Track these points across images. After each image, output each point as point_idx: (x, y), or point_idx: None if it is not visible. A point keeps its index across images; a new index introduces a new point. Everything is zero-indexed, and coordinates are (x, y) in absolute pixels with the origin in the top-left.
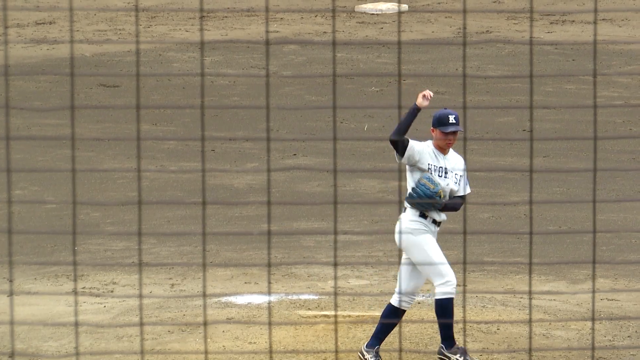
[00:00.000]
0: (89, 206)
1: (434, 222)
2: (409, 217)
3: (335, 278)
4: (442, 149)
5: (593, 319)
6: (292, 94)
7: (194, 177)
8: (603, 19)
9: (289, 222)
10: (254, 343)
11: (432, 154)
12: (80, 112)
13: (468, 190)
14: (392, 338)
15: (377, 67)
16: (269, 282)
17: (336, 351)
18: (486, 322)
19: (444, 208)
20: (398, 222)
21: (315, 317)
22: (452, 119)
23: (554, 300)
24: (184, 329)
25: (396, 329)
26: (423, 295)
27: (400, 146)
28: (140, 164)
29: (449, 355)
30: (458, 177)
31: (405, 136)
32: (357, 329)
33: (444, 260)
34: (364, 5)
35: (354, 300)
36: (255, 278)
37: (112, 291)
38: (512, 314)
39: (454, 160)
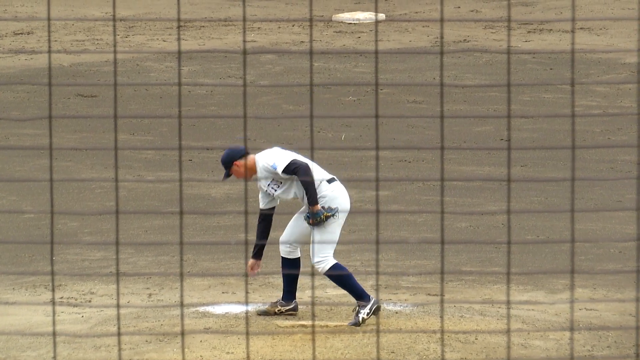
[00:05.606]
0: (67, 216)
1: None
2: None
3: (313, 287)
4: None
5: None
6: (270, 103)
7: (171, 187)
8: (581, 28)
9: None
10: (232, 353)
11: None
12: (58, 122)
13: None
14: (369, 348)
15: (354, 76)
16: (247, 292)
17: None
18: (464, 332)
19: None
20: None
21: (293, 326)
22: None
23: (533, 310)
24: (162, 338)
25: (374, 338)
26: (401, 305)
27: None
28: (117, 174)
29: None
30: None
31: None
32: (334, 339)
33: None
34: (341, 15)
35: (331, 310)
36: (233, 288)
37: (89, 301)
38: (490, 323)
39: None
